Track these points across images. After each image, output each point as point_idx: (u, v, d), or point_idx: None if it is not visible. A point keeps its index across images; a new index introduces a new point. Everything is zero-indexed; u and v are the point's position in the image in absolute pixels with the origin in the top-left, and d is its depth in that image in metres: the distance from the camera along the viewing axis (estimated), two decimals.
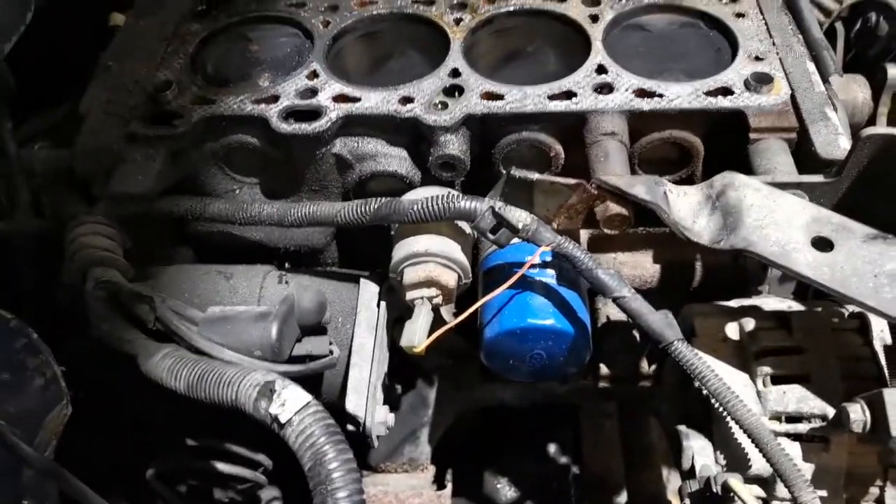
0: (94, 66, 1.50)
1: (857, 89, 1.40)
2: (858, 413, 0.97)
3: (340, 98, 1.37)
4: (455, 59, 1.42)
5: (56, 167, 1.37)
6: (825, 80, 1.33)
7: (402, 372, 1.48)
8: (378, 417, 1.23)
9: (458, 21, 1.50)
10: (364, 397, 1.20)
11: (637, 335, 1.44)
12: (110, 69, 1.48)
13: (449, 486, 1.50)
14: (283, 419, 0.92)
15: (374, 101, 1.35)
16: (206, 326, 1.12)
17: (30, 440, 0.93)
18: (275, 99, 1.37)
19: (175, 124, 1.35)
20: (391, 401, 1.40)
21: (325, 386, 1.27)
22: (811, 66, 1.36)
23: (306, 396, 0.95)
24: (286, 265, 1.42)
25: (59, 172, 1.37)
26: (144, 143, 1.34)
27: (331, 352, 1.20)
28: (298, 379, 1.02)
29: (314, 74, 1.42)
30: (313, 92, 1.38)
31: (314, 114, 1.33)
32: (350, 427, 1.20)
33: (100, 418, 1.25)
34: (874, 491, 1.09)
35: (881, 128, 1.08)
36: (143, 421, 1.37)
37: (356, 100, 1.35)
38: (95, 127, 1.38)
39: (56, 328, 1.12)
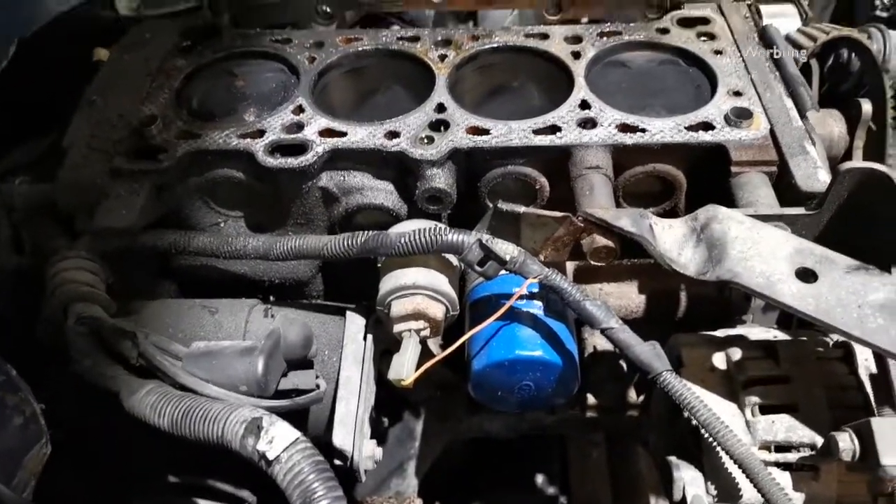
0: (78, 101, 1.50)
1: (833, 124, 1.43)
2: (847, 442, 0.97)
3: (327, 132, 1.37)
4: (440, 94, 1.44)
5: (37, 202, 1.36)
6: (802, 115, 1.37)
7: (389, 404, 1.46)
8: (365, 451, 1.22)
9: (442, 57, 1.52)
10: (351, 431, 1.19)
11: (624, 365, 1.44)
12: (94, 103, 1.48)
13: None
14: (270, 456, 0.91)
15: (361, 135, 1.35)
16: (190, 362, 1.10)
17: (8, 480, 0.90)
18: (261, 133, 1.38)
19: (160, 159, 1.35)
20: (378, 434, 1.38)
21: (311, 420, 1.25)
22: (789, 102, 1.39)
23: (294, 433, 0.94)
24: (271, 298, 1.41)
25: (40, 207, 1.36)
26: (129, 178, 1.34)
27: (317, 386, 1.19)
28: (285, 414, 1.01)
29: (300, 109, 1.43)
30: (299, 126, 1.39)
31: (300, 148, 1.34)
32: (337, 461, 1.18)
33: (81, 455, 1.22)
34: None
35: (860, 162, 1.12)
36: (124, 458, 1.33)
37: (342, 134, 1.36)
38: (79, 161, 1.37)
39: (36, 365, 1.10)
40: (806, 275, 1.03)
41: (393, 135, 1.35)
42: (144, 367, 1.11)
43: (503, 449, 1.74)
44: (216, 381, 1.08)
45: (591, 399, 1.48)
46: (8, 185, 1.37)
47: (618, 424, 1.51)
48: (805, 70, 1.55)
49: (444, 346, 1.18)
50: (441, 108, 1.41)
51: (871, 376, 1.09)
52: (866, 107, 1.46)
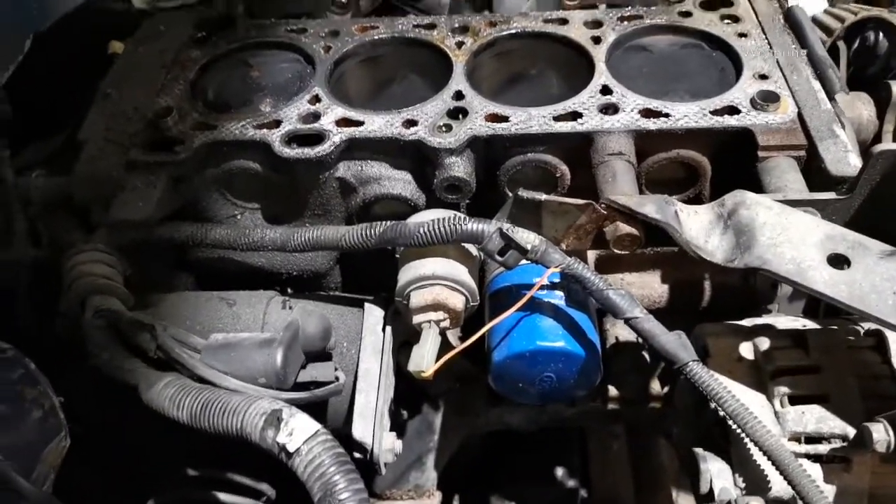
0: (93, 94, 1.49)
1: (861, 107, 1.40)
2: (882, 433, 0.95)
3: (343, 122, 1.36)
4: (458, 81, 1.41)
5: (54, 195, 1.35)
6: (831, 98, 1.33)
7: (408, 397, 1.45)
8: (385, 444, 1.20)
9: (459, 45, 1.50)
10: (371, 423, 1.17)
11: (647, 356, 1.42)
12: (110, 96, 1.47)
13: None
14: (291, 448, 0.89)
15: (378, 124, 1.34)
16: (208, 354, 1.09)
17: (27, 474, 0.90)
18: (277, 124, 1.36)
19: (176, 150, 1.34)
20: (397, 426, 1.37)
21: (330, 412, 1.24)
22: (816, 85, 1.36)
23: (315, 425, 0.92)
24: (289, 290, 1.40)
25: (56, 200, 1.35)
26: (145, 170, 1.33)
27: (336, 378, 1.18)
28: (304, 406, 1.00)
29: (316, 99, 1.41)
30: (316, 116, 1.37)
31: (317, 138, 1.32)
32: (357, 454, 1.17)
33: (100, 449, 1.22)
34: None
35: (891, 144, 1.08)
36: (143, 451, 1.33)
37: (359, 123, 1.35)
38: (95, 154, 1.37)
39: (55, 358, 1.10)
40: (838, 261, 1.00)
41: (410, 123, 1.33)
42: (163, 359, 1.10)
43: (522, 441, 1.73)
44: (235, 373, 1.07)
45: (612, 391, 1.45)
46: (24, 178, 1.37)
47: (640, 416, 1.49)
48: (832, 52, 1.51)
49: (463, 338, 1.16)
50: (459, 95, 1.38)
51: None
52: None
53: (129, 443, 1.33)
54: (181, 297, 1.28)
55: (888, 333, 1.08)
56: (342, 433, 1.16)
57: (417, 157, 1.33)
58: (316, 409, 1.08)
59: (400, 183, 1.36)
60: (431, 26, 1.56)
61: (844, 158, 1.21)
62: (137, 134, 1.38)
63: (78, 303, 1.16)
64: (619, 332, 1.44)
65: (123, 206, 1.29)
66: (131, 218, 1.27)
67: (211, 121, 1.38)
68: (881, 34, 1.58)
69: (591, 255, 1.40)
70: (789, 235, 1.03)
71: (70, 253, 1.21)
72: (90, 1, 1.55)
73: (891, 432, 0.94)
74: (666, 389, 1.40)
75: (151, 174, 1.32)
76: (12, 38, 1.36)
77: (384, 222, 1.16)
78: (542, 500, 1.76)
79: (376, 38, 1.55)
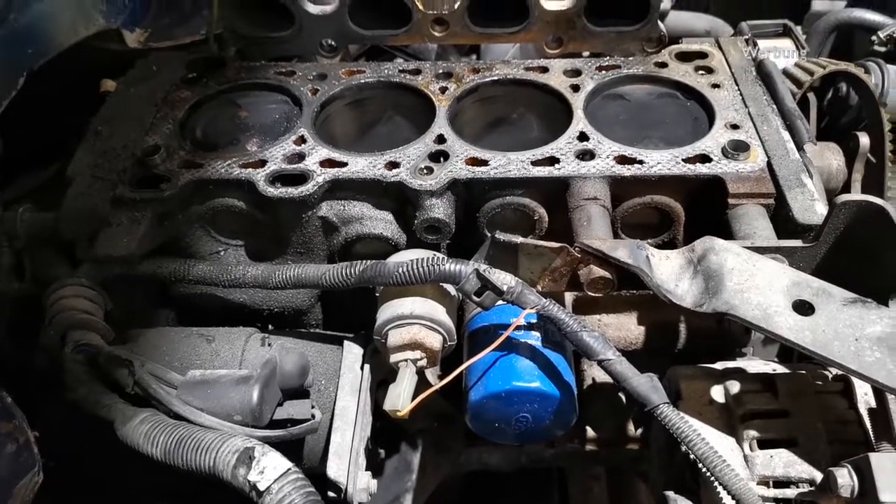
0: (84, 131, 1.52)
1: (831, 156, 1.44)
2: (846, 478, 0.96)
3: (327, 163, 1.39)
4: (440, 125, 1.45)
5: (40, 230, 1.37)
6: (800, 148, 1.37)
7: (386, 435, 1.45)
8: (360, 483, 1.20)
9: (443, 90, 1.54)
10: (346, 462, 1.18)
11: (623, 398, 1.43)
12: (100, 133, 1.50)
13: None
14: (261, 487, 0.90)
15: (361, 165, 1.37)
16: (185, 390, 1.10)
17: None
18: (262, 163, 1.39)
19: (162, 188, 1.36)
20: (374, 465, 1.37)
21: (306, 450, 1.25)
22: (786, 135, 1.40)
23: (286, 463, 0.93)
24: (270, 327, 1.41)
25: (42, 235, 1.36)
26: (131, 207, 1.35)
27: (313, 416, 1.18)
28: (280, 444, 1.00)
29: (302, 140, 1.44)
30: (301, 157, 1.40)
31: (301, 178, 1.35)
32: (331, 493, 1.17)
33: (73, 482, 1.22)
34: None
35: (856, 194, 1.11)
36: (118, 485, 1.32)
37: (343, 164, 1.38)
38: (83, 190, 1.39)
39: (33, 392, 1.10)
40: (803, 307, 1.02)
41: (393, 165, 1.36)
42: (140, 395, 1.11)
43: (501, 483, 1.72)
44: (211, 409, 1.08)
45: (590, 432, 1.46)
46: (11, 212, 1.39)
47: (617, 457, 1.49)
48: (803, 104, 1.56)
49: (441, 377, 1.17)
50: (441, 139, 1.42)
51: (870, 410, 1.08)
52: (864, 139, 1.47)
53: (104, 476, 1.32)
54: (160, 333, 1.29)
55: (854, 379, 1.10)
56: (318, 472, 1.17)
57: (399, 198, 1.36)
58: (292, 447, 1.09)
59: (381, 223, 1.38)
60: (417, 72, 1.60)
61: (811, 207, 1.25)
62: (125, 171, 1.41)
63: (58, 337, 1.17)
64: (596, 373, 1.45)
65: (108, 241, 1.30)
66: (115, 253, 1.28)
67: (198, 159, 1.41)
68: (852, 87, 1.64)
69: (569, 296, 1.42)
70: (756, 281, 1.06)
71: (53, 287, 1.22)
72: (84, 40, 1.59)
73: (855, 477, 0.96)
74: (640, 431, 1.41)
75: (137, 211, 1.34)
76: (6, 75, 1.39)
77: (364, 261, 1.18)
78: None
79: (362, 81, 1.59)
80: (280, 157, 1.40)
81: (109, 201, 1.35)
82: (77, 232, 1.33)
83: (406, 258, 1.18)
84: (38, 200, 1.46)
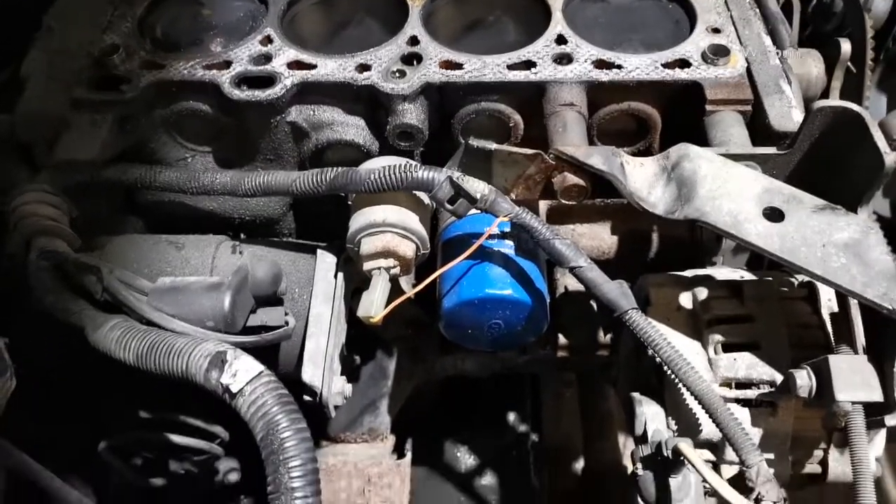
0: (37, 30, 1.44)
1: (811, 63, 1.41)
2: (805, 379, 1.00)
3: (296, 64, 1.33)
4: (413, 26, 1.39)
5: None
6: (780, 54, 1.35)
7: (362, 343, 1.47)
8: (335, 388, 1.22)
9: None
10: (321, 367, 1.19)
11: (595, 306, 1.45)
12: (52, 31, 1.42)
13: (408, 455, 1.51)
14: (234, 389, 0.91)
15: (331, 67, 1.32)
16: (156, 297, 1.09)
17: None
18: (227, 65, 1.33)
19: (122, 89, 1.30)
20: (350, 371, 1.39)
21: (281, 357, 1.26)
22: (767, 40, 1.37)
23: (258, 366, 0.94)
24: (241, 235, 1.39)
25: (0, 139, 1.31)
26: (90, 109, 1.30)
27: (286, 322, 1.19)
28: (253, 350, 1.00)
29: (268, 40, 1.38)
30: (267, 58, 1.34)
31: (268, 80, 1.30)
32: (307, 397, 1.19)
33: (48, 393, 1.22)
34: (818, 454, 1.13)
35: (832, 100, 1.10)
36: (94, 394, 1.34)
37: (312, 66, 1.32)
38: (38, 92, 1.32)
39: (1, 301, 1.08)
40: (773, 214, 1.03)
41: (364, 68, 1.31)
42: (109, 302, 1.10)
43: (475, 388, 1.77)
44: (183, 316, 1.07)
45: (562, 339, 1.49)
46: None
47: (588, 364, 1.53)
48: (787, 9, 1.52)
49: (416, 285, 1.17)
50: (414, 40, 1.37)
51: (833, 315, 1.10)
52: (845, 46, 1.45)
53: (78, 386, 1.33)
54: (128, 240, 1.27)
55: (819, 285, 1.13)
56: (293, 377, 1.18)
57: (371, 103, 1.32)
58: (267, 354, 1.09)
59: (353, 129, 1.35)
60: None
61: (788, 114, 1.24)
62: (82, 71, 1.34)
63: (22, 244, 1.15)
64: (569, 281, 1.47)
65: (68, 146, 1.26)
66: (77, 158, 1.24)
67: (159, 60, 1.35)
68: None
69: (543, 205, 1.41)
70: (728, 188, 1.06)
71: (14, 193, 1.19)
72: None
73: (813, 379, 0.99)
74: (610, 337, 1.44)
75: (97, 113, 1.29)
76: None
77: (335, 168, 1.16)
78: (494, 445, 1.81)
79: None
80: (245, 59, 1.34)
81: (68, 104, 1.30)
82: (35, 136, 1.28)
83: (378, 165, 1.15)
84: None
